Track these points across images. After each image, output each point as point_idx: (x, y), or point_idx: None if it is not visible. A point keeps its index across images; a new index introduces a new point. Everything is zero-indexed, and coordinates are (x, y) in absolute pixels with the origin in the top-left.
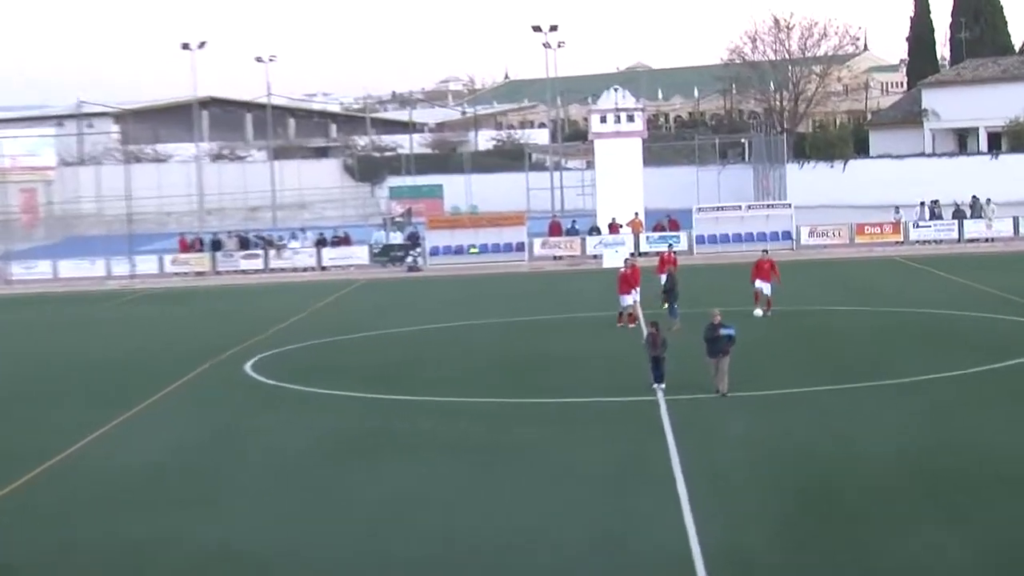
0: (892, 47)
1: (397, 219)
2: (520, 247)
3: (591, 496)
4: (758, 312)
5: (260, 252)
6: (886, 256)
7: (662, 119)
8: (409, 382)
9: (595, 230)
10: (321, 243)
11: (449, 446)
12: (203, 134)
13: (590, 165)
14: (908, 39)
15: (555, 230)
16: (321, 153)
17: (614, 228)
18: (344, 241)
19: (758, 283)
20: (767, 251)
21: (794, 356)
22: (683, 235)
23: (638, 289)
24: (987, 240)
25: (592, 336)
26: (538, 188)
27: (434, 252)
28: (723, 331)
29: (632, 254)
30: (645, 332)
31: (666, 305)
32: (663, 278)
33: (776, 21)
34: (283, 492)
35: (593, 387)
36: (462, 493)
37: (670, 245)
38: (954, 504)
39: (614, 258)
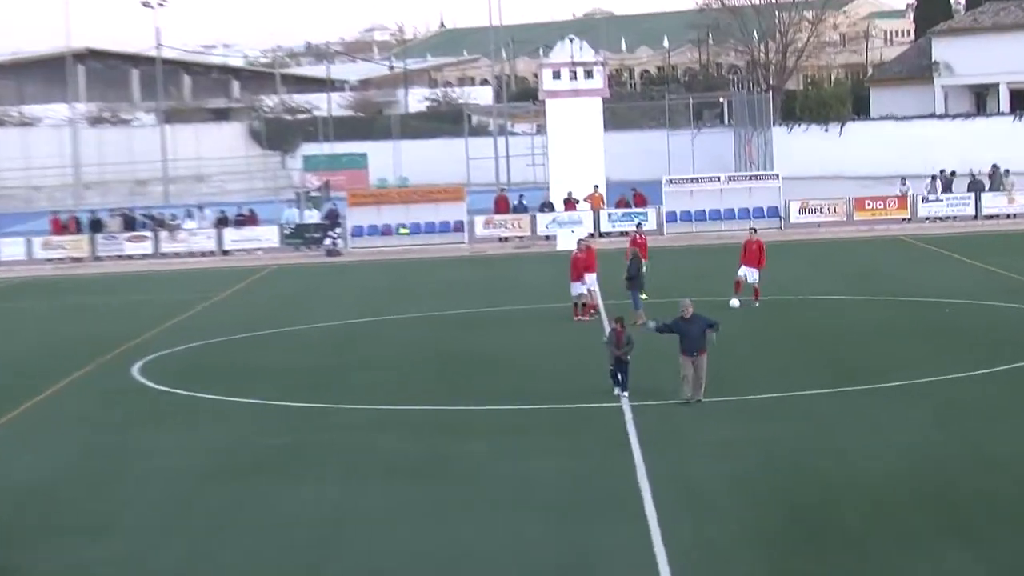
0: None
1: (313, 194)
2: (459, 227)
3: (544, 522)
4: (734, 303)
5: (149, 234)
6: (890, 235)
7: (626, 75)
8: (330, 388)
9: (547, 206)
10: (222, 223)
11: (378, 464)
12: (79, 93)
13: (541, 130)
14: None
15: (500, 207)
16: (222, 116)
17: (570, 204)
18: (250, 220)
19: (743, 269)
20: (756, 229)
21: (782, 354)
22: (651, 212)
23: (595, 276)
24: (1008, 216)
25: (546, 331)
26: (480, 157)
27: (357, 233)
28: (701, 321)
29: (591, 234)
30: (608, 328)
31: (643, 295)
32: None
33: None
34: (176, 521)
35: (547, 392)
36: (393, 521)
37: (639, 224)
38: (970, 525)
39: (570, 239)
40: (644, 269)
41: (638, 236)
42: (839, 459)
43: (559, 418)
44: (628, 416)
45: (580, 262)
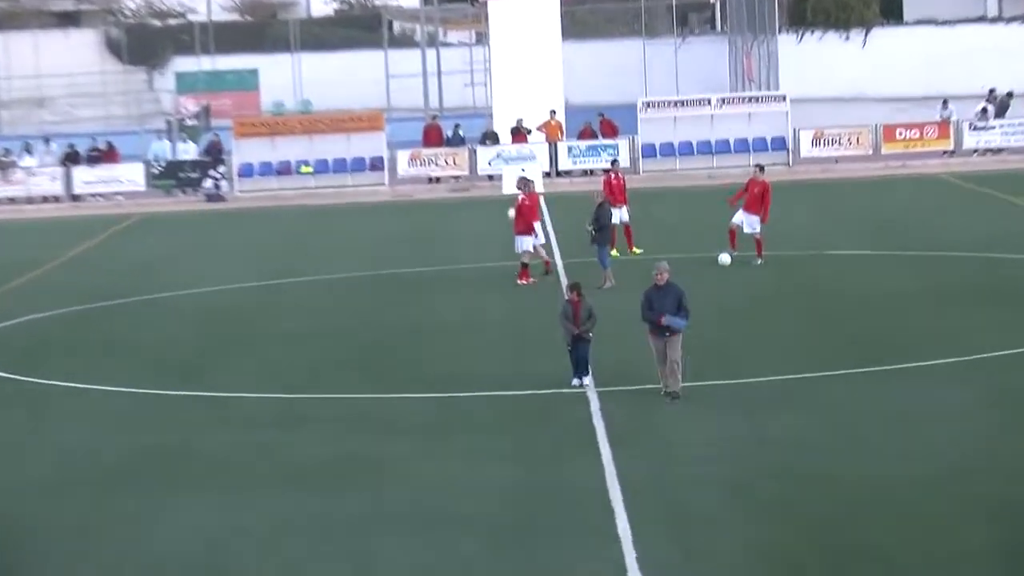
0: None
1: (189, 123)
2: (378, 164)
3: (489, 545)
4: (724, 259)
5: None
6: (928, 173)
7: None
8: (214, 372)
9: (490, 138)
10: (71, 160)
11: (277, 470)
12: None
13: (482, 39)
14: None
15: (431, 138)
16: (69, 21)
17: (519, 136)
18: (107, 157)
19: (739, 216)
20: (762, 168)
21: (788, 326)
22: (622, 144)
23: (539, 226)
24: None
25: (490, 298)
26: (404, 75)
27: (246, 172)
28: (676, 322)
29: (545, 174)
30: (565, 297)
31: (619, 249)
32: (617, 211)
33: None
34: (9, 553)
35: (490, 375)
36: (296, 543)
37: (614, 162)
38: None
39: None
40: (625, 218)
41: (613, 176)
42: (861, 460)
43: (507, 409)
44: (594, 406)
45: (526, 208)
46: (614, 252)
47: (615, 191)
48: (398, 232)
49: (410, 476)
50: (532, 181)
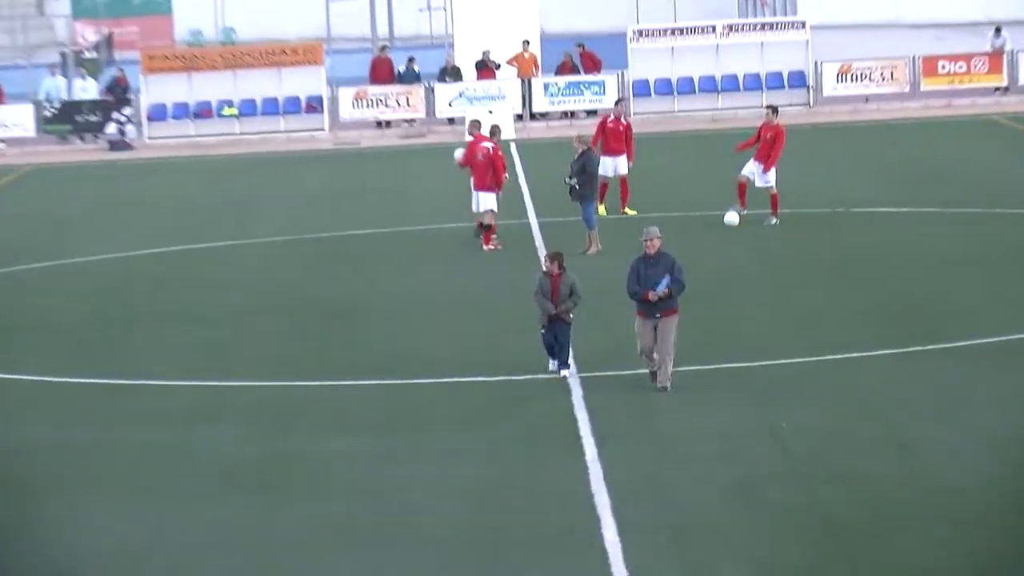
0: None
1: (88, 55)
2: (316, 105)
3: (447, 566)
4: (732, 218)
5: None
6: (977, 114)
7: None
8: (118, 355)
9: (451, 74)
10: None
11: (199, 472)
12: None
13: None
14: None
15: (380, 74)
16: None
17: (486, 71)
18: None
19: (750, 167)
20: (775, 109)
21: (810, 298)
22: (609, 81)
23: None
24: None
25: (448, 267)
26: None
27: (157, 115)
28: (659, 285)
29: (517, 116)
30: (542, 268)
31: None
32: (611, 161)
33: None
34: None
35: (452, 359)
36: (223, 559)
37: (619, 101)
38: None
39: (485, 124)
40: (623, 171)
41: (611, 120)
42: (897, 458)
43: (473, 399)
44: (577, 395)
45: (496, 159)
46: (601, 209)
47: (610, 137)
48: (340, 187)
49: (358, 480)
50: (499, 127)
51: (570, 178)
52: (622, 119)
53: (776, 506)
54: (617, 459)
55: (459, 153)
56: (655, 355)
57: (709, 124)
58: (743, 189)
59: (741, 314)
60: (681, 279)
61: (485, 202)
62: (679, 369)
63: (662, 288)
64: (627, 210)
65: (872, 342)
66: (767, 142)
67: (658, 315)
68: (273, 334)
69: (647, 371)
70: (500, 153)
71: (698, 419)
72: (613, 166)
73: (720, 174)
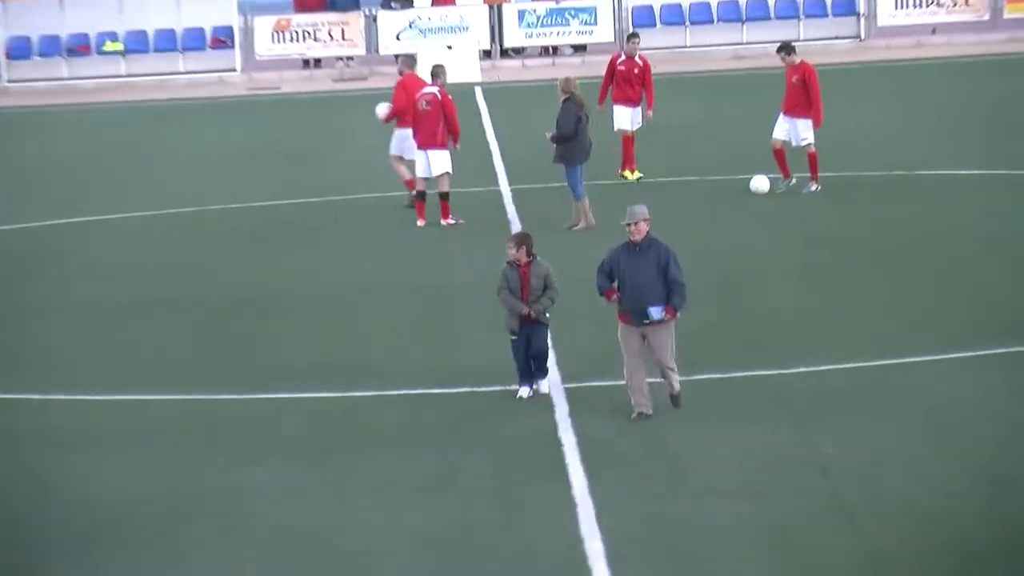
0: None
1: None
2: (225, 40)
3: None
4: (759, 184)
5: None
6: None
7: None
8: None
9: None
10: None
11: (77, 513)
12: None
13: None
14: None
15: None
16: None
17: None
18: None
19: (781, 125)
20: (790, 48)
21: (861, 287)
22: (603, 6)
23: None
24: None
25: (393, 247)
26: None
27: (19, 52)
28: (653, 309)
29: (485, 53)
30: (508, 256)
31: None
32: (627, 112)
33: None
34: None
35: (400, 366)
36: None
37: (632, 36)
38: None
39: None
40: (637, 124)
41: (622, 61)
42: (986, 495)
43: (426, 416)
44: (561, 411)
45: (437, 106)
46: (628, 174)
47: (623, 82)
48: (256, 145)
49: (280, 520)
50: (444, 67)
51: (550, 133)
52: (636, 58)
53: (816, 555)
54: (613, 495)
55: (383, 108)
56: (645, 387)
57: (731, 62)
58: (781, 156)
59: (772, 308)
60: (680, 279)
61: (438, 163)
62: (692, 378)
63: (658, 314)
64: (626, 173)
65: (941, 343)
66: (794, 89)
67: (644, 322)
68: (172, 333)
69: (634, 408)
70: (450, 98)
71: (715, 441)
72: (631, 118)
73: (745, 126)
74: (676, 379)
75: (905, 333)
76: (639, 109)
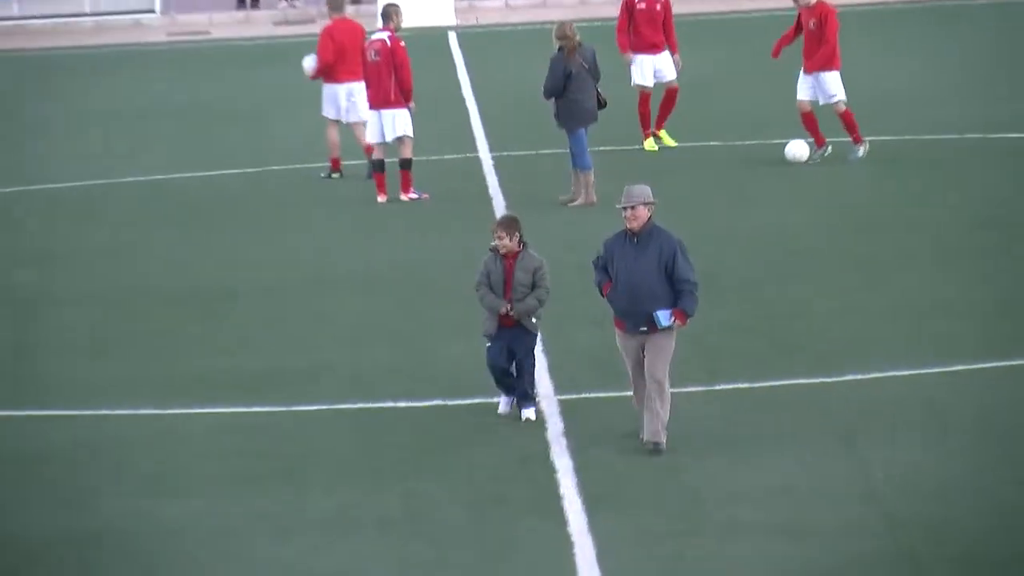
0: None
1: None
2: None
3: None
4: (796, 150)
5: None
6: None
7: None
8: None
9: None
10: None
11: None
12: None
13: None
14: None
15: None
16: None
17: None
18: None
19: (805, 84)
20: None
21: (916, 280)
22: None
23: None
24: None
25: (346, 226)
26: None
27: None
28: (661, 315)
29: None
30: (491, 242)
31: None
32: (650, 64)
33: None
34: None
35: (358, 372)
36: None
37: None
38: None
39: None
40: (671, 76)
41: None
42: None
43: (389, 435)
44: (554, 429)
45: (387, 56)
46: (649, 143)
47: (643, 25)
48: (179, 103)
49: (206, 566)
50: (397, 7)
51: (546, 93)
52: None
53: None
54: (617, 532)
55: (309, 62)
56: (645, 393)
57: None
58: (810, 119)
59: (811, 304)
60: (691, 277)
61: (397, 124)
62: (713, 389)
63: (667, 320)
64: (662, 134)
65: (1011, 347)
66: (812, 34)
67: (644, 328)
68: (80, 334)
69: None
70: (402, 45)
71: (745, 468)
72: (653, 69)
73: (776, 79)
74: (663, 413)
75: (967, 334)
76: (663, 57)
